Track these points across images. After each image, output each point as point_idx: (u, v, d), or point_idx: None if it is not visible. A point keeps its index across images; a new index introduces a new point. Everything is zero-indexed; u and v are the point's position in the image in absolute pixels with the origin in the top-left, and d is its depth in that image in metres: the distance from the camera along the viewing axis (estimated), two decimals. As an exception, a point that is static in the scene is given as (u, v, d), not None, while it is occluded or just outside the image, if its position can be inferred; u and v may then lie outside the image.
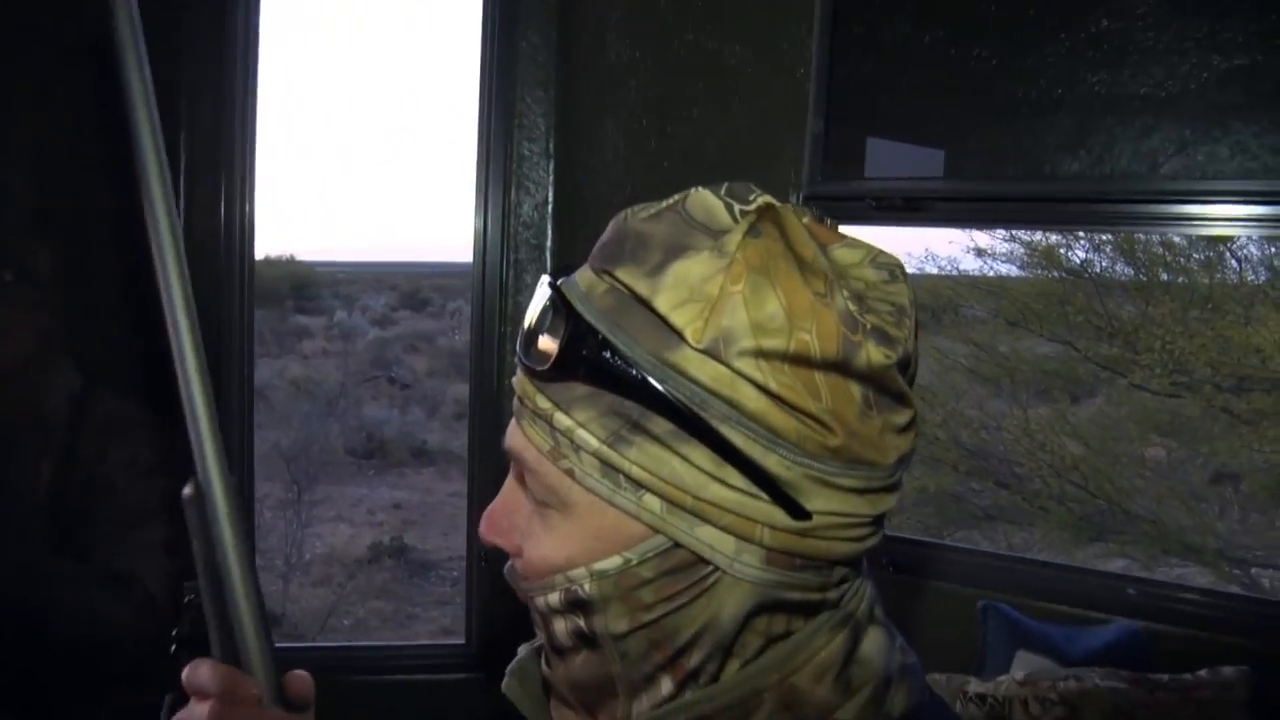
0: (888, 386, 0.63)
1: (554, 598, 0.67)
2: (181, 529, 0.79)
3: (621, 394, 0.62)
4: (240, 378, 2.17)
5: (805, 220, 0.67)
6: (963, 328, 8.36)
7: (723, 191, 0.65)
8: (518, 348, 0.67)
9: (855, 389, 0.62)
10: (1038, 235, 6.91)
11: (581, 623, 0.67)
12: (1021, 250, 7.16)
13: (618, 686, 0.68)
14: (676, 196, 0.67)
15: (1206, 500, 7.07)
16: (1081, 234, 6.54)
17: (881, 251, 0.69)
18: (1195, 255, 6.46)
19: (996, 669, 1.90)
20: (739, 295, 0.60)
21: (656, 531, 0.63)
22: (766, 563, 0.63)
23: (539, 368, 0.65)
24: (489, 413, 2.44)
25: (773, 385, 0.60)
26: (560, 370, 0.63)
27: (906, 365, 0.64)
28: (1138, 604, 1.96)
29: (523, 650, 0.79)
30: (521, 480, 0.70)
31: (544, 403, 0.65)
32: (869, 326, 0.62)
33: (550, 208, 2.46)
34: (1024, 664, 1.88)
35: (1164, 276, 6.55)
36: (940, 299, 8.51)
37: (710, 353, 0.60)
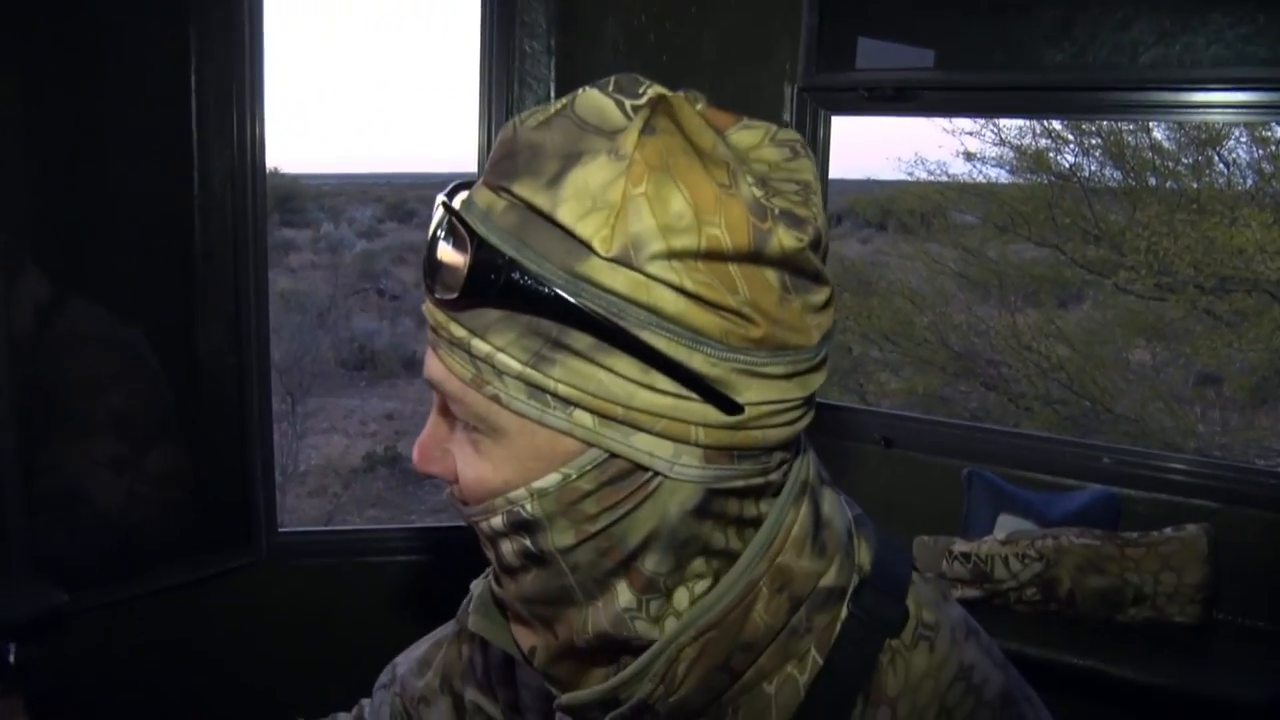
0: (803, 268, 0.62)
1: (497, 521, 0.66)
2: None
3: (537, 313, 0.60)
4: (256, 293, 2.23)
5: (699, 107, 0.65)
6: (952, 232, 8.40)
7: (610, 88, 0.62)
8: (423, 276, 0.64)
9: (771, 276, 0.61)
10: (1027, 139, 6.92)
11: (527, 542, 0.66)
12: (1011, 154, 7.17)
13: (573, 596, 0.67)
14: (565, 99, 0.63)
15: (1189, 402, 7.20)
16: (1070, 138, 6.56)
17: (780, 128, 0.67)
18: (1184, 159, 6.49)
19: (980, 531, 2.01)
20: (642, 198, 0.58)
21: (591, 445, 0.62)
22: (705, 461, 0.62)
23: (448, 296, 0.62)
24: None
25: (689, 285, 0.58)
26: (470, 297, 0.61)
27: (819, 243, 0.63)
28: (1111, 471, 2.07)
29: (477, 586, 0.79)
30: (447, 409, 0.68)
31: (459, 331, 0.63)
32: (777, 211, 0.61)
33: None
34: (1005, 526, 1.99)
35: (1152, 180, 6.58)
36: (929, 204, 8.53)
37: (621, 261, 0.58)
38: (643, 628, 0.67)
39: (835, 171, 2.29)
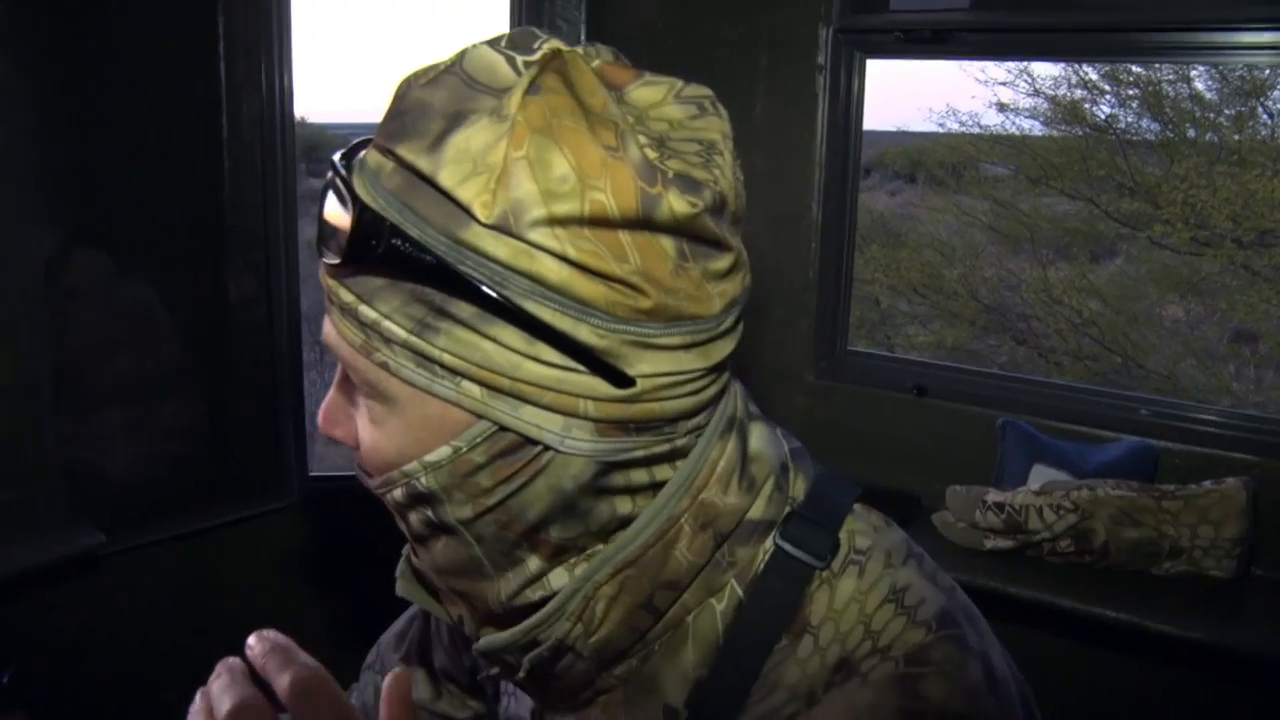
0: (700, 234, 0.59)
1: (397, 494, 0.65)
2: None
3: (419, 281, 0.58)
4: (285, 241, 2.24)
5: (598, 63, 0.62)
6: (983, 185, 8.28)
7: (504, 43, 0.59)
8: (316, 239, 0.62)
9: (665, 243, 0.58)
10: (1062, 90, 6.78)
11: (429, 513, 0.64)
12: (1045, 105, 7.04)
13: (483, 568, 0.66)
14: (456, 54, 0.60)
15: (1223, 359, 7.11)
16: (1107, 88, 6.42)
17: (688, 84, 0.64)
18: (1226, 110, 6.35)
19: (1014, 481, 1.99)
20: (523, 161, 0.56)
21: (480, 417, 0.60)
22: (598, 434, 0.60)
23: (333, 261, 0.60)
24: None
25: (572, 253, 0.56)
26: (354, 261, 0.58)
27: (722, 207, 0.60)
28: (1149, 423, 2.04)
29: (405, 551, 0.77)
30: (346, 374, 0.66)
31: (348, 296, 0.61)
32: (670, 174, 0.57)
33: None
34: (1040, 476, 1.97)
35: (1191, 132, 6.45)
36: (961, 155, 8.41)
37: (502, 228, 0.56)
38: (556, 579, 0.65)
39: (865, 123, 2.25)
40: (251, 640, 0.57)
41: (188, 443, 2.22)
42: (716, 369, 0.63)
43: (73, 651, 1.97)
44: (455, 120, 0.57)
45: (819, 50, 2.19)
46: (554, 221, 0.55)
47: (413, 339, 0.59)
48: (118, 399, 2.07)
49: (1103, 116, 6.69)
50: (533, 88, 0.57)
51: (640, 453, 0.62)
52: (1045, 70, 6.84)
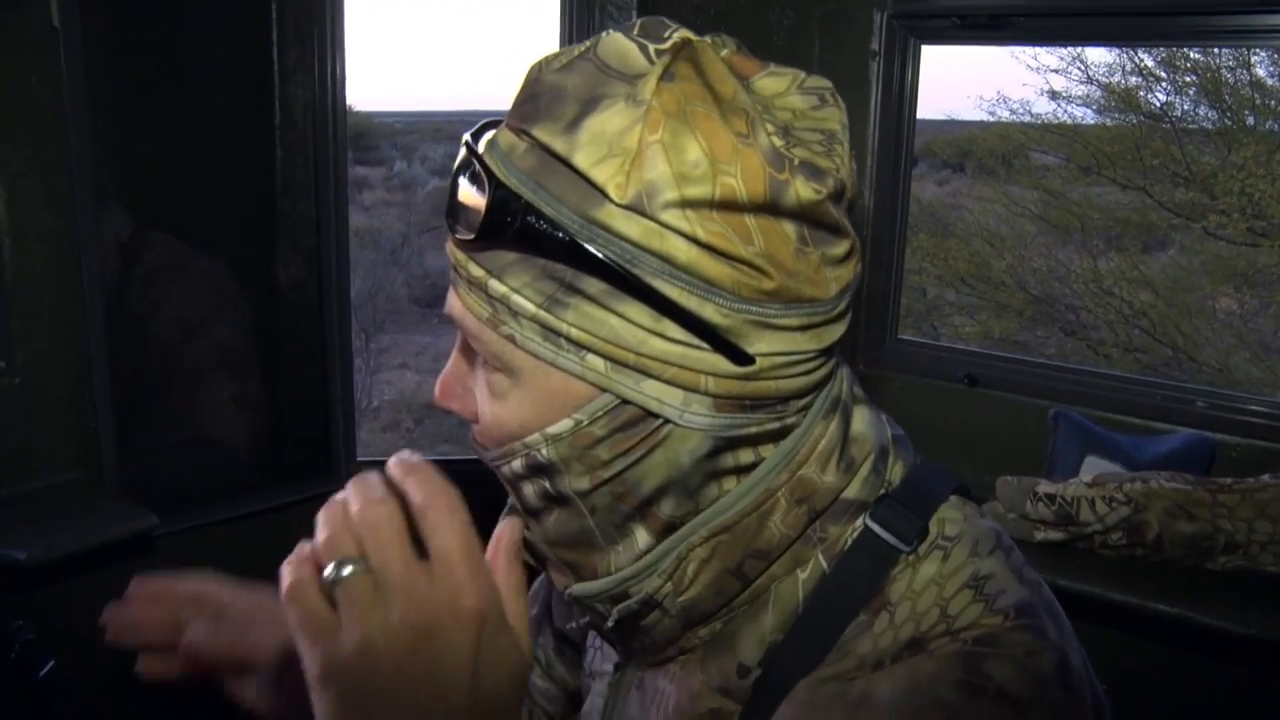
0: (821, 220, 0.61)
1: (516, 464, 0.67)
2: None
3: (551, 257, 0.60)
4: (336, 227, 2.25)
5: (725, 53, 0.64)
6: (1032, 174, 8.18)
7: (635, 31, 0.62)
8: (446, 214, 0.65)
9: (788, 228, 0.60)
10: (1116, 77, 6.68)
11: (547, 484, 0.66)
12: (1098, 93, 6.93)
13: (594, 540, 0.68)
14: (589, 41, 0.63)
15: (1278, 352, 6.98)
16: (1163, 75, 6.31)
17: (810, 76, 0.66)
18: (1288, 97, 6.22)
19: (1065, 473, 1.96)
20: (658, 145, 0.58)
21: (603, 390, 0.62)
22: (715, 410, 0.62)
23: (466, 236, 0.62)
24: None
25: (701, 234, 0.58)
26: (487, 237, 0.61)
27: (841, 194, 0.62)
28: (1206, 416, 2.00)
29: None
30: (468, 347, 0.69)
31: (477, 270, 0.63)
32: (796, 161, 0.59)
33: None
34: (1092, 468, 1.94)
35: (1250, 120, 6.32)
36: (1011, 144, 8.31)
37: (635, 208, 0.58)
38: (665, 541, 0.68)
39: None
40: (392, 460, 0.58)
41: (239, 426, 2.25)
42: (827, 351, 0.65)
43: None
44: (590, 104, 0.60)
45: (873, 36, 2.17)
46: (685, 204, 0.58)
47: (541, 313, 0.61)
48: (171, 382, 2.10)
49: (1158, 104, 6.58)
50: (666, 74, 0.59)
51: (753, 430, 0.64)
52: (1099, 57, 6.74)
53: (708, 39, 0.62)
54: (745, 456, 0.66)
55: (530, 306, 0.61)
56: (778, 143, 0.60)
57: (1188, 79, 6.36)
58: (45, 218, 1.84)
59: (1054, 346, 7.45)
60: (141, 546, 1.94)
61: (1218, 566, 1.83)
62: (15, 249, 1.82)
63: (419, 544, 0.55)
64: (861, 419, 0.71)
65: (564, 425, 0.64)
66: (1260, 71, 6.10)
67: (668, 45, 0.60)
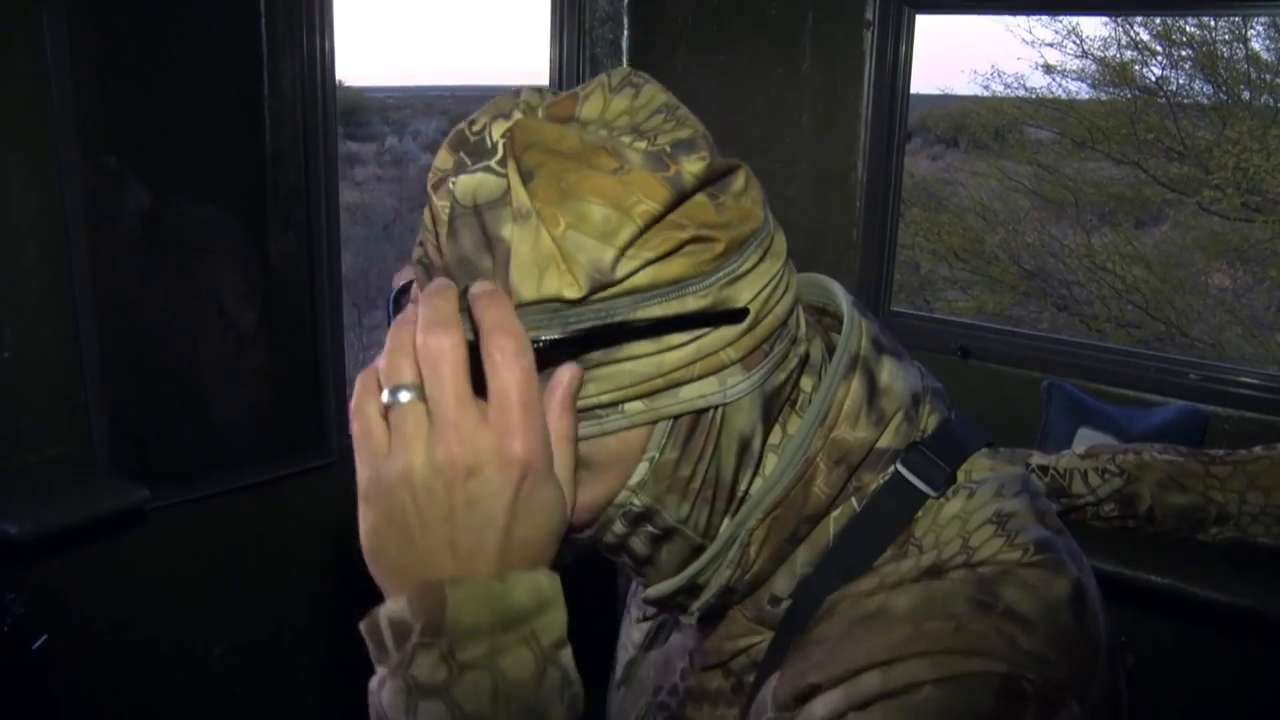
0: (716, 173, 0.64)
1: (617, 527, 0.69)
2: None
3: (552, 365, 0.61)
4: (327, 200, 2.24)
5: (543, 110, 0.65)
6: (1027, 148, 8.16)
7: (468, 161, 0.63)
8: None
9: (701, 198, 0.63)
10: (1111, 50, 6.65)
11: (650, 528, 0.69)
12: (1093, 67, 6.91)
13: (702, 546, 0.71)
14: (440, 198, 0.63)
15: (1270, 328, 6.99)
16: (1159, 48, 6.28)
17: (609, 74, 0.67)
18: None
19: (1058, 444, 1.96)
20: (568, 231, 0.59)
21: (655, 422, 0.65)
22: (746, 369, 0.65)
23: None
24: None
25: (650, 255, 0.60)
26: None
27: (710, 144, 0.65)
28: (1198, 387, 2.00)
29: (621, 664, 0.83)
30: None
31: None
32: (669, 149, 0.62)
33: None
34: (1085, 439, 1.94)
35: (1245, 95, 6.30)
36: (1005, 118, 8.28)
37: (593, 289, 0.60)
38: (725, 528, 0.71)
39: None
40: (475, 286, 0.59)
41: (230, 400, 2.23)
42: (785, 262, 0.69)
43: (118, 605, 2.00)
44: (494, 245, 0.61)
45: (867, 4, 2.15)
46: (624, 251, 0.60)
47: None
48: (162, 357, 2.08)
49: (1153, 78, 6.56)
50: (523, 175, 0.60)
51: (781, 375, 0.68)
52: (1094, 30, 6.71)
53: (517, 113, 0.63)
54: (785, 394, 0.69)
55: None
56: (642, 146, 0.62)
57: (1183, 53, 6.33)
58: (32, 191, 1.83)
59: (1047, 321, 7.46)
60: (133, 521, 1.94)
61: (1209, 538, 1.83)
62: (2, 224, 1.80)
63: (480, 378, 0.57)
64: (889, 371, 0.73)
65: (642, 470, 0.66)
66: (1256, 45, 6.08)
67: (501, 153, 0.61)
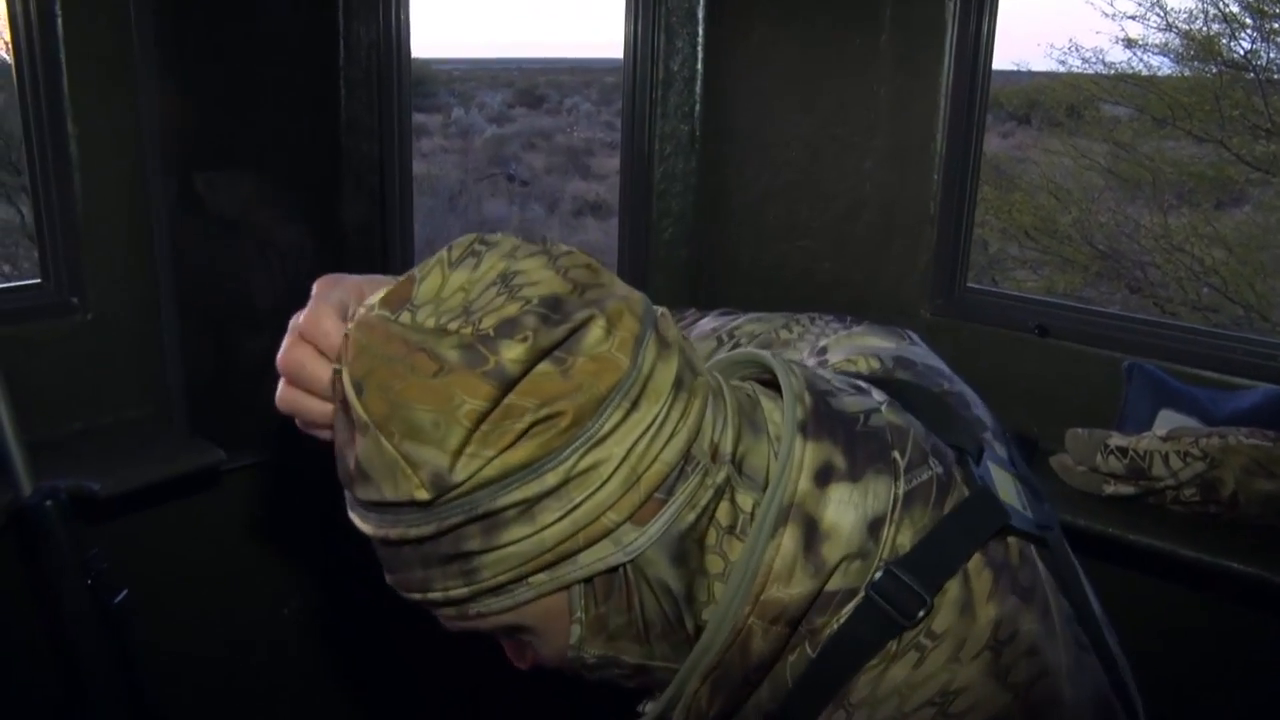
0: (554, 342, 0.61)
1: (586, 671, 0.71)
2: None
3: (436, 551, 0.64)
4: (400, 169, 2.25)
5: (377, 304, 0.64)
6: (1103, 125, 7.97)
7: (334, 382, 0.65)
8: None
9: (546, 368, 0.60)
10: (1197, 24, 6.45)
11: (617, 670, 0.71)
12: (1177, 41, 6.71)
13: (669, 674, 0.72)
14: (340, 417, 0.66)
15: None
16: (1249, 21, 6.07)
17: (449, 248, 0.67)
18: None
19: (1138, 426, 1.91)
20: (400, 440, 0.60)
21: (566, 588, 0.65)
22: (641, 522, 0.63)
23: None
24: (639, 181, 2.47)
25: (490, 452, 0.60)
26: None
27: (555, 303, 0.62)
28: (1288, 371, 1.94)
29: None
30: (504, 637, 0.74)
31: (416, 596, 0.68)
32: (490, 334, 0.60)
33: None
34: (1166, 421, 1.88)
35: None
36: (1081, 95, 8.10)
37: (439, 490, 0.60)
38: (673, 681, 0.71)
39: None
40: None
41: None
42: (675, 386, 0.64)
43: (193, 563, 2.05)
44: (351, 456, 0.63)
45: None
46: (460, 451, 0.59)
47: (473, 588, 0.65)
48: (238, 320, 2.12)
49: (1241, 52, 6.34)
50: (357, 390, 0.61)
51: (689, 515, 0.65)
52: (1179, 2, 6.53)
53: (353, 322, 0.64)
54: (710, 535, 0.66)
55: (464, 591, 0.65)
56: (465, 335, 0.61)
57: (1276, 25, 6.11)
58: (114, 157, 1.86)
59: (1119, 303, 7.30)
60: (209, 481, 1.98)
61: (1296, 526, 1.78)
62: (86, 188, 1.84)
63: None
64: (836, 504, 0.67)
65: (575, 631, 0.68)
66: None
67: (344, 380, 0.62)
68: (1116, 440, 1.84)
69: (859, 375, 0.81)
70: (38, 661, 1.74)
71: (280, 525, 2.16)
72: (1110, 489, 1.86)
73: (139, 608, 1.62)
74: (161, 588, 1.96)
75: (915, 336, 0.93)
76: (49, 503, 1.54)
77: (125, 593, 1.59)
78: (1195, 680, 1.90)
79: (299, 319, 0.70)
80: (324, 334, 0.68)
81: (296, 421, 0.73)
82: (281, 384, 0.71)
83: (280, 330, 0.73)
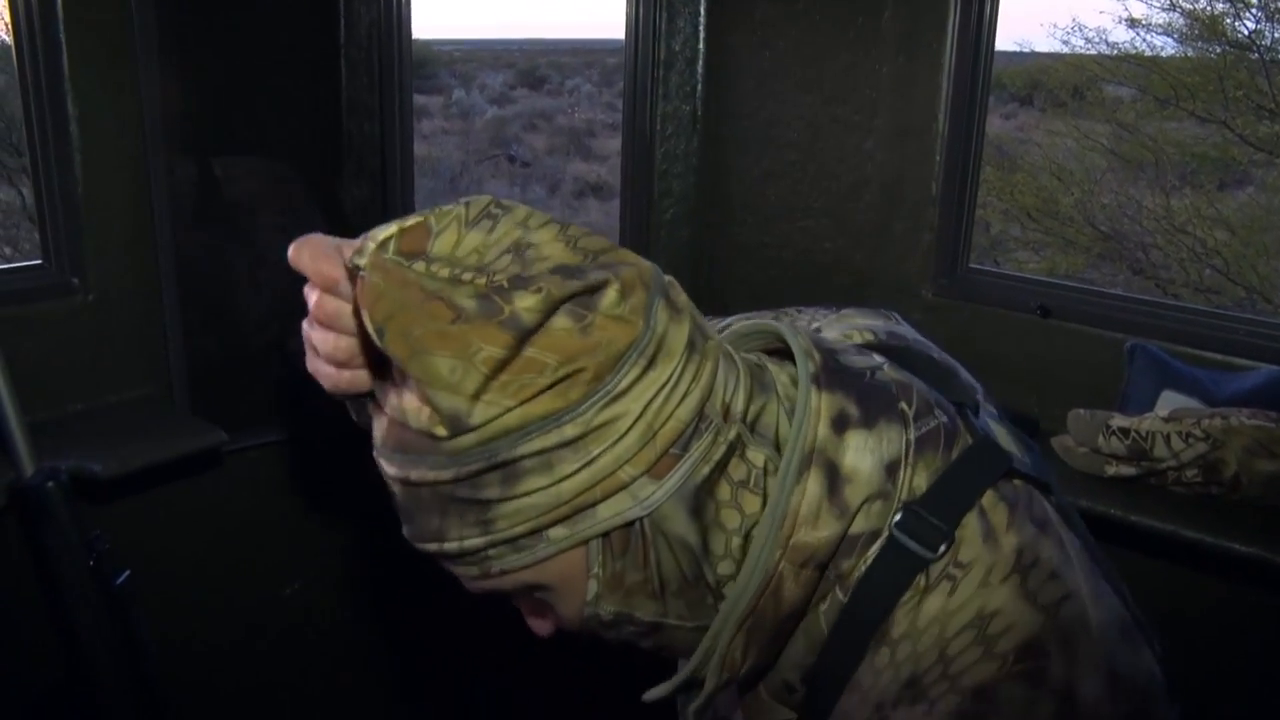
0: (568, 294, 0.62)
1: (605, 632, 0.72)
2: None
3: (453, 500, 0.65)
4: (401, 150, 2.24)
5: (393, 247, 0.64)
6: (1106, 106, 7.94)
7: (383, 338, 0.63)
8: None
9: (565, 323, 0.61)
10: (1201, 3, 6.42)
11: (630, 626, 0.71)
12: (1181, 20, 6.67)
13: (690, 635, 0.72)
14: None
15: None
16: (1254, 1, 6.04)
17: (469, 204, 0.67)
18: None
19: (1140, 407, 1.91)
20: (419, 384, 0.61)
21: (585, 542, 0.66)
22: (658, 479, 0.65)
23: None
24: (640, 161, 2.46)
25: (510, 401, 0.61)
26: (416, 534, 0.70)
27: (570, 269, 0.63)
28: (1291, 352, 1.93)
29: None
30: (520, 598, 0.75)
31: (433, 547, 0.68)
32: (504, 286, 0.61)
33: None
34: (1169, 402, 1.88)
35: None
36: (1083, 75, 8.06)
37: (456, 429, 0.62)
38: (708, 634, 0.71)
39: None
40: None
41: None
42: (688, 348, 0.66)
43: (195, 544, 2.05)
44: (408, 421, 0.65)
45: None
46: (478, 396, 0.60)
47: (490, 538, 0.65)
48: (239, 301, 2.12)
49: (1246, 32, 6.30)
50: (378, 333, 0.61)
51: (704, 469, 0.66)
52: (1184, -17, 6.48)
53: (365, 257, 0.63)
54: (723, 492, 0.67)
55: (480, 541, 0.65)
56: (480, 285, 0.61)
57: (1278, 4, 6.08)
58: (114, 137, 1.85)
59: (1122, 284, 7.29)
60: (211, 462, 1.98)
61: (1297, 506, 1.78)
62: (86, 169, 1.83)
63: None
64: (854, 450, 0.69)
65: (592, 587, 0.68)
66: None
67: (366, 323, 0.62)
68: (1118, 421, 1.84)
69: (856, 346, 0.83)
70: (39, 643, 1.74)
71: (283, 506, 2.17)
72: (1112, 470, 1.86)
73: (141, 589, 1.62)
74: (164, 569, 1.96)
75: (900, 318, 0.95)
76: (50, 484, 1.54)
77: (127, 574, 1.59)
78: (1197, 661, 1.90)
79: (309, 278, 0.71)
80: (331, 280, 0.69)
81: (325, 384, 0.73)
82: (317, 334, 0.73)
83: (282, 312, 0.73)
